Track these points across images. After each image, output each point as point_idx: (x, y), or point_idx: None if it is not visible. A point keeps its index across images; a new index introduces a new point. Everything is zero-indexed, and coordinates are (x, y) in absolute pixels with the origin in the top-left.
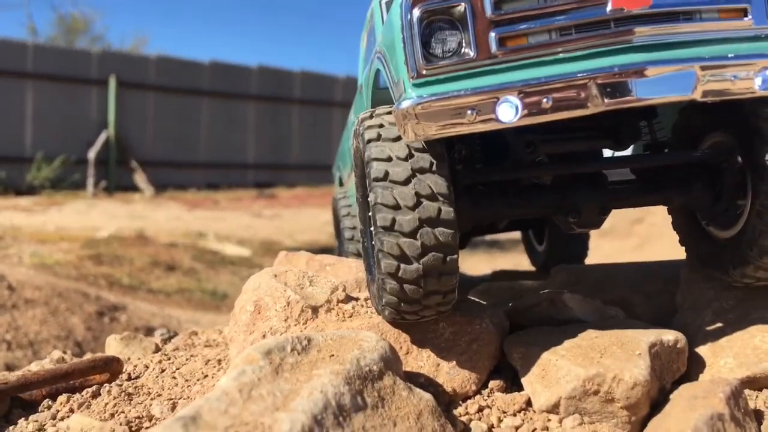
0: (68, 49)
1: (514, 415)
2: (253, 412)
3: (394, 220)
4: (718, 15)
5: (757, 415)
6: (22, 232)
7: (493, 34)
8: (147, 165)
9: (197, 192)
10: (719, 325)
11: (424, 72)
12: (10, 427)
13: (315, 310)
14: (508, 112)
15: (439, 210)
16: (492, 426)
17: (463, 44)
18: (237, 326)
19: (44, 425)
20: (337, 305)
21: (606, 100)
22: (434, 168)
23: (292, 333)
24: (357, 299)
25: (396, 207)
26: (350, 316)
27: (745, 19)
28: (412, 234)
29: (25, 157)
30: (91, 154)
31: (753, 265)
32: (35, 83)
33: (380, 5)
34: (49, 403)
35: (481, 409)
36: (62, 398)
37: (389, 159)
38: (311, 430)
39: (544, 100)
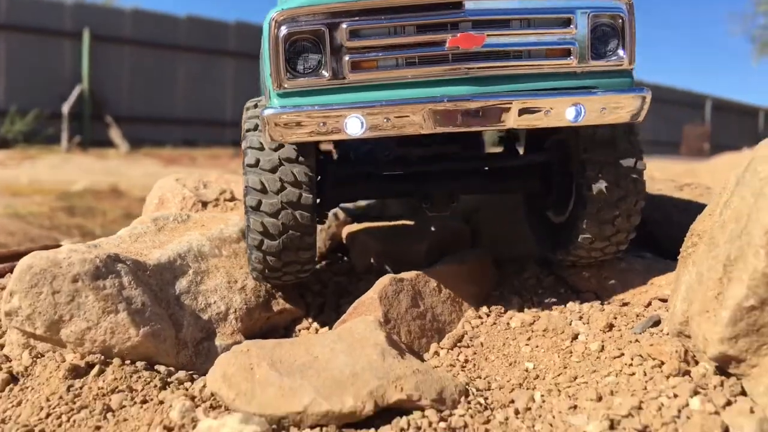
0: (41, 0)
1: (343, 275)
2: (137, 248)
3: (260, 202)
4: (545, 54)
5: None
6: None
7: (346, 58)
8: (122, 120)
9: (174, 149)
10: None
11: (285, 85)
12: None
13: (204, 204)
14: (355, 127)
15: (300, 195)
16: (325, 283)
17: (322, 64)
18: (145, 214)
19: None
20: (223, 202)
21: (436, 125)
22: (300, 159)
23: None
24: (241, 199)
25: (263, 191)
26: (231, 209)
27: (569, 58)
28: (275, 215)
29: None
30: (65, 109)
31: (573, 244)
32: (8, 35)
33: None
34: (11, 275)
35: (320, 270)
36: None
37: (261, 148)
38: (174, 260)
39: (385, 120)
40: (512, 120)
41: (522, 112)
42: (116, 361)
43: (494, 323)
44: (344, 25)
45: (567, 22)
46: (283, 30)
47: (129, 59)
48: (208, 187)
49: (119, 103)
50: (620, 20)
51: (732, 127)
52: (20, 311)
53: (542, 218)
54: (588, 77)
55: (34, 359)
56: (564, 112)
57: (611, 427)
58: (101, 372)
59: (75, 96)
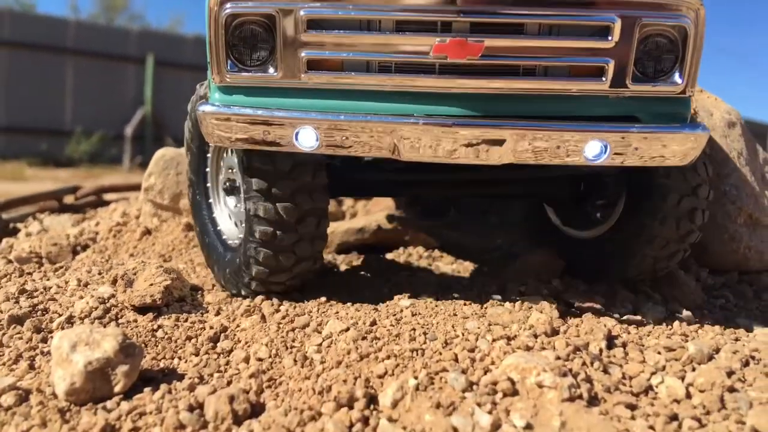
0: (108, 27)
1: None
2: None
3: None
4: (568, 72)
5: None
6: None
7: (303, 55)
8: (181, 142)
9: None
10: None
11: (227, 79)
12: None
13: None
14: (309, 140)
15: (314, 174)
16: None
17: (271, 58)
18: None
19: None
20: None
21: (405, 153)
22: None
23: None
24: None
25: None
26: None
27: (600, 79)
28: (290, 198)
29: (65, 131)
30: (128, 130)
31: (635, 258)
32: (76, 59)
33: None
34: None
35: None
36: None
37: None
38: None
39: (343, 137)
40: (508, 154)
41: (524, 144)
42: None
43: None
44: (302, 12)
45: (604, 31)
46: (227, 8)
47: (189, 84)
48: None
49: (179, 125)
50: (683, 32)
51: None
52: (155, 186)
53: (557, 234)
54: (625, 104)
55: (161, 222)
56: (582, 148)
57: None
58: None
59: (138, 119)
